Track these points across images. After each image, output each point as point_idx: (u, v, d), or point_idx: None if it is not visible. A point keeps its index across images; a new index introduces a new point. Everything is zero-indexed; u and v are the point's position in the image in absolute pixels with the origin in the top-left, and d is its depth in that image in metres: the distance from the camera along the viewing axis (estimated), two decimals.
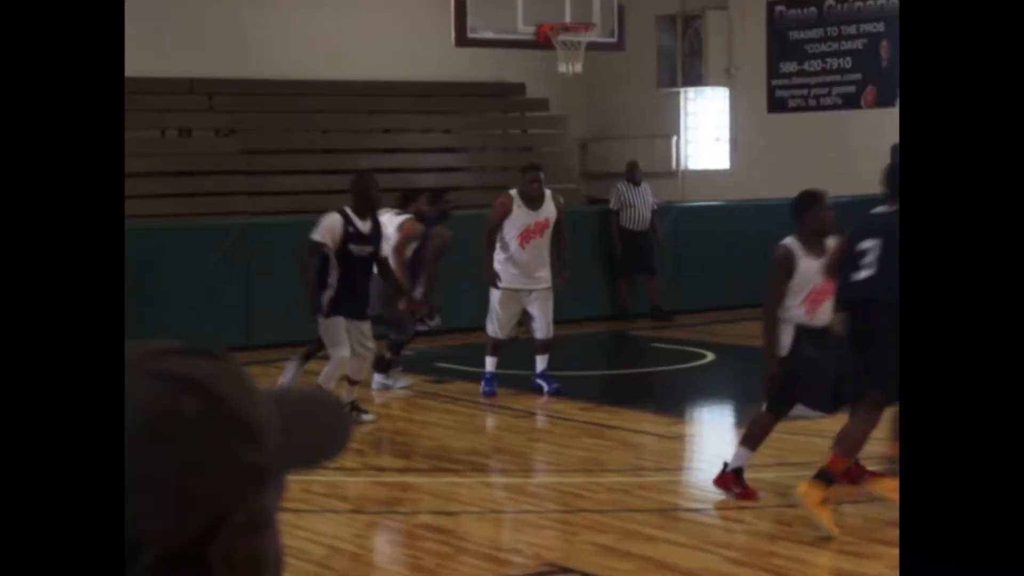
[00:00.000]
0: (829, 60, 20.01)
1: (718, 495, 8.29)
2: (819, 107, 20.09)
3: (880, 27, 19.34)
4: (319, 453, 1.34)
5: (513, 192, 11.50)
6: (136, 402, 1.21)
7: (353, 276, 9.90)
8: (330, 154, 19.65)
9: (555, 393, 11.27)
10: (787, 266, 7.69)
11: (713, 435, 10.82)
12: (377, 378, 11.63)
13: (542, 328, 11.42)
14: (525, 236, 11.31)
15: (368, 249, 10.01)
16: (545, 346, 11.43)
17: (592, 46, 15.70)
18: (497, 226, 11.41)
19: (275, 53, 19.53)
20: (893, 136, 18.32)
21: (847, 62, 19.79)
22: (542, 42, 15.39)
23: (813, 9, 20.13)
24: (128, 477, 1.18)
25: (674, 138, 22.12)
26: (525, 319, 11.64)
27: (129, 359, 1.24)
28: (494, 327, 11.46)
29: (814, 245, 7.77)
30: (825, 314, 7.74)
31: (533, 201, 11.36)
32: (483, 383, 11.46)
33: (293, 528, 7.26)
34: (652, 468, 9.02)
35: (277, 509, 1.28)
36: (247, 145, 18.98)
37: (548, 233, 11.41)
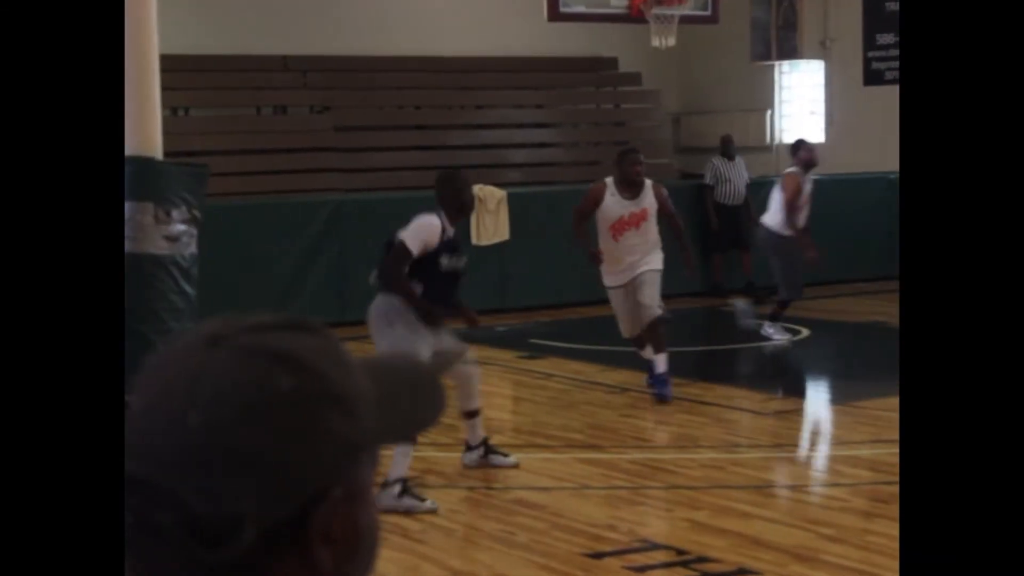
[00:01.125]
0: None
1: (813, 472, 8.23)
2: None
3: None
4: (413, 425, 1.33)
5: (608, 180, 10.45)
6: (232, 377, 1.21)
7: (436, 295, 7.89)
8: (422, 130, 19.71)
9: (661, 397, 10.31)
10: None
11: (808, 411, 10.73)
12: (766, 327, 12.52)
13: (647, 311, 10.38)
14: (617, 229, 10.34)
15: (459, 264, 8.05)
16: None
17: (685, 19, 15.58)
18: (585, 216, 10.46)
19: (368, 29, 19.60)
20: None
21: None
22: (635, 15, 15.31)
23: None
24: (225, 453, 1.19)
25: (768, 112, 21.91)
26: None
27: (226, 333, 1.24)
28: (621, 328, 10.61)
29: None
30: None
31: (631, 188, 10.35)
32: (656, 385, 10.41)
33: None
34: (746, 444, 8.97)
35: (372, 482, 1.28)
36: (341, 122, 19.08)
37: (645, 226, 10.36)
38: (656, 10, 15.25)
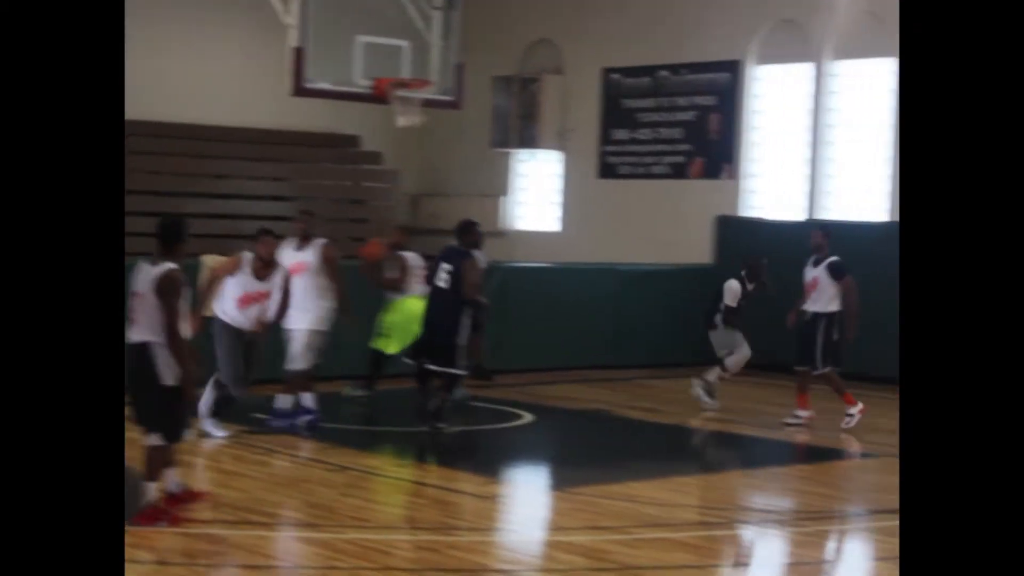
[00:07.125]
0: (660, 130, 20.33)
1: (528, 556, 8.27)
2: (648, 175, 20.37)
3: (711, 100, 19.72)
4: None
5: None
6: None
7: None
8: (158, 196, 19.33)
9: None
10: None
11: (527, 496, 10.79)
12: None
13: None
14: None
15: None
16: None
17: (429, 103, 15.71)
18: None
19: None
20: (718, 207, 18.69)
21: (678, 132, 20.13)
22: (378, 96, 15.36)
23: (647, 79, 20.45)
24: None
25: (502, 198, 22.25)
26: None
27: None
28: None
29: None
30: None
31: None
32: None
33: None
34: (464, 527, 8.95)
35: None
36: None
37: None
38: (400, 92, 15.33)
